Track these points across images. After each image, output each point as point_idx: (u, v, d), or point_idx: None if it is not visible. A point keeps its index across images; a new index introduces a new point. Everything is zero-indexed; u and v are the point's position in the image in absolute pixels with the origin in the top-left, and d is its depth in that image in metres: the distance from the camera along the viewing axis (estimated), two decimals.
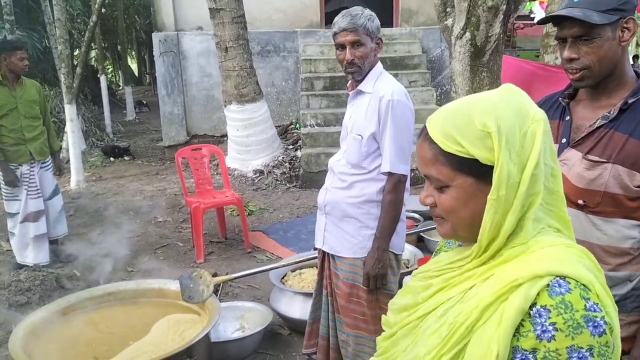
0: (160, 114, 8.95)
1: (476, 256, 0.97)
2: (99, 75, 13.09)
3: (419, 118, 8.43)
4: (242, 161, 7.41)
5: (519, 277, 0.88)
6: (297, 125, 8.46)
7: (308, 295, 3.27)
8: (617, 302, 0.98)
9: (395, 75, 8.12)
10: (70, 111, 7.35)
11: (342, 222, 2.35)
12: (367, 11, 2.25)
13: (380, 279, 2.25)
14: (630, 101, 1.48)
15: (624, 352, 1.13)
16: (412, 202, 5.56)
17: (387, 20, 9.66)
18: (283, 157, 7.55)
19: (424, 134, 0.99)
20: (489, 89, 5.63)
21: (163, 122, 8.92)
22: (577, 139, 1.54)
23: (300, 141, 7.58)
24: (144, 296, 2.82)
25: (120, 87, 18.60)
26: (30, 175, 4.29)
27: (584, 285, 0.87)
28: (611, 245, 1.51)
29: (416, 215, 4.98)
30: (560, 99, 1.66)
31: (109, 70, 21.01)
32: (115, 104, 14.51)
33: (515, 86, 1.00)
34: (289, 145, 7.99)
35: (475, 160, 0.93)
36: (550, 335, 0.84)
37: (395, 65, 8.02)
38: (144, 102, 15.79)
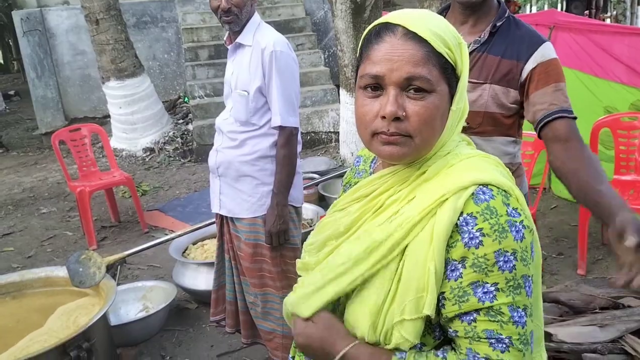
0: (32, 100, 8.19)
1: (420, 161, 0.93)
2: None
3: (309, 81, 8.25)
4: (129, 140, 7.02)
5: (446, 191, 0.87)
6: (186, 98, 8.13)
7: (212, 265, 3.17)
8: None
9: None
10: None
11: (238, 182, 2.27)
12: None
13: (282, 234, 2.21)
14: (497, 24, 1.56)
15: None
16: (310, 163, 5.62)
17: None
18: (174, 133, 7.24)
19: (401, 32, 0.87)
20: None
21: (36, 107, 8.16)
22: None
23: (190, 114, 7.28)
24: (31, 287, 2.57)
25: None
26: None
27: (504, 191, 0.87)
28: None
29: (315, 176, 5.00)
30: None
31: None
32: None
33: None
34: (178, 119, 7.67)
35: (453, 68, 0.90)
36: (477, 241, 0.84)
37: (280, 29, 7.70)
38: (13, 92, 14.30)
